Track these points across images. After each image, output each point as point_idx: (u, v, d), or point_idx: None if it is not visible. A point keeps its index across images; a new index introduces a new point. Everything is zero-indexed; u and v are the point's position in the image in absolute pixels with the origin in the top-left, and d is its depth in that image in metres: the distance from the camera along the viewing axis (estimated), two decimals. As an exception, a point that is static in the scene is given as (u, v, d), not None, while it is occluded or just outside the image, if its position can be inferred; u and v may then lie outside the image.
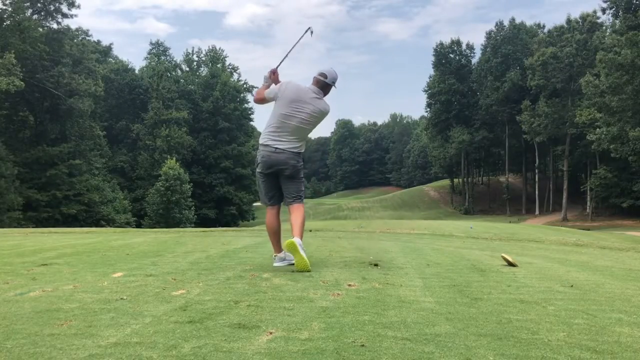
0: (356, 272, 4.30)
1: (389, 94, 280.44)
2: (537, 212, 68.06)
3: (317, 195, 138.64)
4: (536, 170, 72.61)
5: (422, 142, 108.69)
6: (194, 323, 2.55)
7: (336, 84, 4.74)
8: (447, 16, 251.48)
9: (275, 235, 4.75)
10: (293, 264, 4.52)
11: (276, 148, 4.58)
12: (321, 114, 4.68)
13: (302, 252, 4.32)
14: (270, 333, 2.39)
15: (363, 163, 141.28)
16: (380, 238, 9.55)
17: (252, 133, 76.59)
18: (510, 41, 71.55)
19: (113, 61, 67.06)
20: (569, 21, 63.91)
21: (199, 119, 67.51)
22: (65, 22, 46.20)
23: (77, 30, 52.62)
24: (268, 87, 4.80)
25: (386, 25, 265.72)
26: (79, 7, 44.85)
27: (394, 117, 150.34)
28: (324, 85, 4.68)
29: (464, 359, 2.09)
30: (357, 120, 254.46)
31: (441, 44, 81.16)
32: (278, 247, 4.73)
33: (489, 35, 75.48)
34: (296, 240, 4.36)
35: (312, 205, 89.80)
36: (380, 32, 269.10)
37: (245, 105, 73.12)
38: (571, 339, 2.40)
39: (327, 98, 4.75)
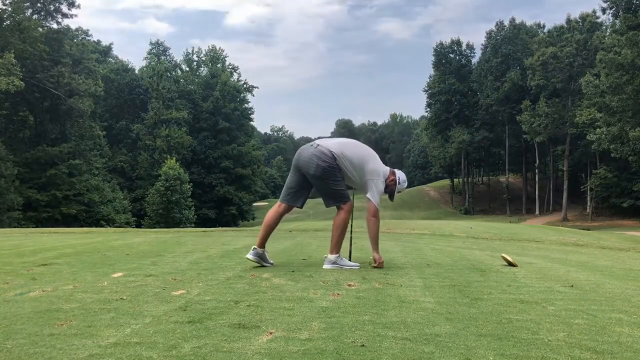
0: (356, 272, 4.30)
1: (389, 94, 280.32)
2: (537, 212, 68.08)
3: (318, 195, 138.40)
4: (536, 170, 72.62)
5: (422, 142, 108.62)
6: (194, 323, 2.55)
7: (398, 190, 4.83)
8: (448, 16, 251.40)
9: (265, 228, 4.65)
10: (267, 265, 4.55)
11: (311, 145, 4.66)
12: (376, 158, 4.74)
13: (344, 268, 4.45)
14: (270, 333, 2.39)
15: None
16: (380, 238, 9.55)
17: (252, 133, 76.61)
18: (511, 41, 71.58)
19: (113, 61, 67.13)
20: (569, 21, 63.97)
21: (199, 119, 67.52)
22: (65, 22, 46.28)
23: (77, 30, 52.77)
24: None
25: (387, 25, 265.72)
26: (79, 7, 44.91)
27: (394, 117, 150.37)
28: (389, 183, 4.74)
29: (464, 359, 2.09)
30: (357, 120, 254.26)
31: (441, 44, 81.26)
32: (260, 242, 4.62)
33: (489, 35, 75.56)
34: (325, 265, 4.52)
35: (312, 205, 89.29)
36: (381, 31, 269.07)
37: (246, 105, 73.20)
38: (571, 339, 2.40)
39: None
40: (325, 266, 4.52)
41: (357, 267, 4.56)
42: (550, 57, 59.57)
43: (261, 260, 4.58)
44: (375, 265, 4.63)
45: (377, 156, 4.76)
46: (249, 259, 4.54)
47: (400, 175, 4.81)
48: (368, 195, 4.55)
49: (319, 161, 4.43)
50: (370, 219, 4.62)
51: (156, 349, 2.14)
